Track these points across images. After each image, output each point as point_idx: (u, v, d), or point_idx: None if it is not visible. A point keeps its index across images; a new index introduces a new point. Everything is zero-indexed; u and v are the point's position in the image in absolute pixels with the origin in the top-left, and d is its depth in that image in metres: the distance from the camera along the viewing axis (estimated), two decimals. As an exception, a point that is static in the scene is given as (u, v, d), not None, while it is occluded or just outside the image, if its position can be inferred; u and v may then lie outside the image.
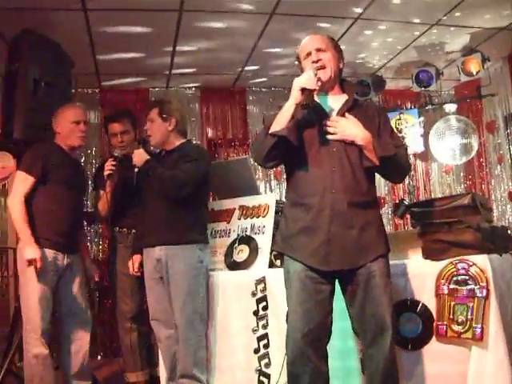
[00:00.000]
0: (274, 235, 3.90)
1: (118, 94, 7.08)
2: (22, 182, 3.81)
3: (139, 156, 3.87)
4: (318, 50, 2.92)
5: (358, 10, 5.35)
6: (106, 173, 4.08)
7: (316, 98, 2.88)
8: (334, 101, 2.95)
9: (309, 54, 2.93)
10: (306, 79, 2.74)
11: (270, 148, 2.80)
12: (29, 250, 3.68)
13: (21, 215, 3.74)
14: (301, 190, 2.90)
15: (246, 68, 6.78)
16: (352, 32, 5.84)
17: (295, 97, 2.75)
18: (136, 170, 3.90)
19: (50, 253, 3.80)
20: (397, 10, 5.40)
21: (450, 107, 7.27)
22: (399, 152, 2.88)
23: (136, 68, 6.54)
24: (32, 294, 3.71)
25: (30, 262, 3.65)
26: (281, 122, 2.77)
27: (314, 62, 2.88)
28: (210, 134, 7.42)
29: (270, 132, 2.79)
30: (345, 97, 2.97)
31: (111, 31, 5.45)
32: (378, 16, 5.52)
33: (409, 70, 6.86)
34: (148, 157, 3.87)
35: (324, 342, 2.84)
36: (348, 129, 2.79)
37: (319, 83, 2.78)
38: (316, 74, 2.77)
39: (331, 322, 2.85)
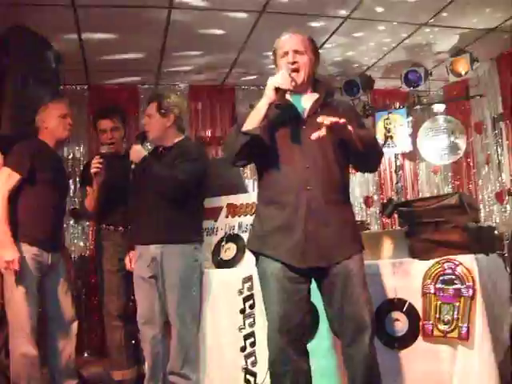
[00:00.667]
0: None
1: (106, 91, 7.05)
2: (8, 179, 3.73)
3: (137, 152, 3.82)
4: (296, 51, 2.90)
5: (348, 10, 5.36)
6: (92, 170, 4.05)
7: (288, 97, 2.89)
8: (306, 100, 2.94)
9: (286, 54, 2.92)
10: (280, 79, 2.73)
11: (242, 146, 2.78)
12: (7, 251, 3.60)
13: (2, 214, 3.66)
14: (275, 188, 2.87)
15: (235, 66, 6.76)
16: (341, 31, 5.85)
17: (269, 96, 2.74)
18: (132, 166, 3.86)
19: (33, 250, 3.74)
20: (386, 10, 5.42)
21: (439, 107, 7.31)
22: (370, 135, 2.93)
23: (125, 65, 6.52)
24: (17, 292, 3.66)
25: (8, 264, 3.59)
26: (254, 120, 2.76)
27: (289, 63, 2.87)
28: (198, 132, 7.41)
29: (242, 130, 2.78)
30: (317, 95, 2.97)
31: (100, 27, 5.43)
32: (368, 16, 5.54)
33: (398, 69, 6.89)
34: (145, 153, 3.82)
35: (304, 341, 2.85)
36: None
37: (293, 83, 2.78)
38: (289, 75, 2.77)
39: (310, 321, 2.89)
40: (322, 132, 2.63)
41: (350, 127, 2.70)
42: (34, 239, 3.75)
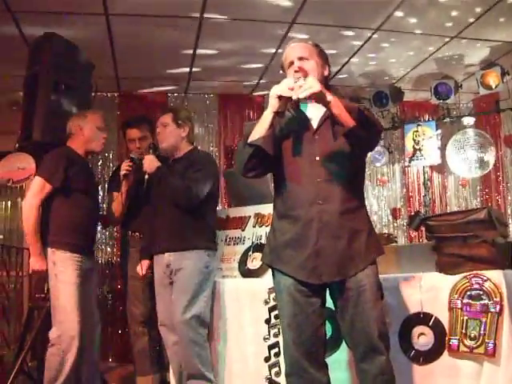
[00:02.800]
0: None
1: (136, 99, 7.13)
2: (41, 189, 3.79)
3: (151, 162, 3.91)
4: (301, 58, 2.86)
5: (379, 21, 5.36)
6: (122, 172, 4.13)
7: (303, 107, 2.89)
8: (317, 108, 2.85)
9: (292, 63, 2.89)
10: (282, 87, 2.70)
11: (248, 157, 2.78)
12: (34, 260, 3.70)
13: (33, 223, 3.72)
14: (287, 201, 2.86)
15: (265, 75, 6.78)
16: (371, 43, 5.85)
17: (272, 105, 2.72)
18: (146, 176, 3.93)
19: (77, 257, 3.82)
20: (417, 22, 5.41)
21: (468, 120, 7.24)
22: (364, 109, 2.73)
23: (155, 73, 6.59)
24: (66, 296, 3.72)
25: (35, 273, 3.68)
26: (259, 130, 2.75)
27: (296, 72, 2.84)
28: (227, 141, 7.43)
29: (248, 141, 2.77)
30: None
31: (132, 36, 5.49)
32: (398, 28, 5.53)
33: (427, 81, 6.85)
34: (159, 164, 3.91)
35: (320, 353, 2.81)
36: (316, 84, 2.61)
37: (297, 91, 2.69)
38: (296, 82, 2.70)
39: (325, 333, 2.84)
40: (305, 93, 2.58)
41: (328, 95, 2.60)
42: (76, 246, 3.83)
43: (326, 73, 2.94)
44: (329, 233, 2.72)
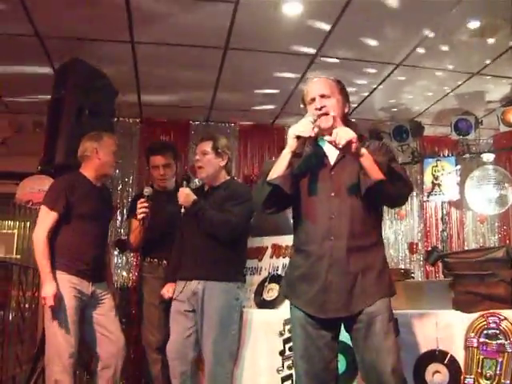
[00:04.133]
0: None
1: (158, 125, 7.20)
2: (46, 218, 3.83)
3: (186, 196, 3.84)
4: (322, 96, 2.88)
5: (401, 56, 5.39)
6: (139, 217, 4.10)
7: (319, 142, 2.92)
8: None
9: (313, 100, 2.91)
10: (300, 127, 2.73)
11: (267, 196, 2.83)
12: (46, 287, 3.69)
13: (43, 251, 3.75)
14: (302, 237, 2.91)
15: (286, 107, 6.83)
16: (393, 77, 5.87)
17: (290, 145, 2.75)
18: (182, 210, 3.85)
19: (73, 279, 3.80)
20: (438, 58, 5.44)
21: (488, 157, 7.22)
22: (396, 167, 2.79)
23: (177, 101, 6.65)
24: (55, 321, 3.71)
25: (44, 300, 3.67)
26: (278, 170, 2.79)
27: (316, 109, 2.85)
28: (246, 171, 7.47)
29: (267, 180, 2.81)
30: None
31: (156, 63, 5.55)
32: (420, 63, 5.56)
33: (448, 117, 6.85)
34: (195, 197, 3.85)
35: None
36: (345, 133, 2.62)
37: (316, 130, 2.74)
38: (315, 121, 2.75)
39: (337, 365, 2.85)
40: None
41: (362, 149, 2.64)
42: (73, 269, 3.82)
43: (346, 110, 2.97)
44: (338, 269, 2.74)
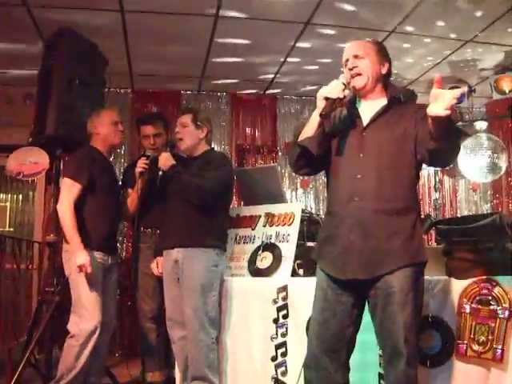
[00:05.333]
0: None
1: (149, 96, 7.15)
2: (70, 190, 3.88)
3: (166, 160, 3.94)
4: (356, 56, 2.86)
5: (394, 23, 5.35)
6: (138, 170, 4.17)
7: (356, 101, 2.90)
8: (372, 105, 2.86)
9: (347, 61, 2.89)
10: (329, 88, 2.73)
11: (297, 157, 2.86)
12: (79, 256, 3.75)
13: (70, 222, 3.81)
14: (330, 197, 2.94)
15: (278, 76, 6.79)
16: (387, 45, 5.78)
17: (319, 106, 2.74)
18: (160, 172, 3.97)
19: (99, 255, 3.91)
20: (431, 25, 5.40)
21: (481, 125, 7.22)
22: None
23: (169, 70, 6.61)
24: (87, 291, 3.80)
25: (81, 268, 3.73)
26: (307, 131, 2.80)
27: (350, 70, 2.85)
28: (238, 140, 7.45)
29: (297, 142, 2.83)
30: (384, 101, 2.87)
31: (146, 33, 5.50)
32: (413, 30, 5.52)
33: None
34: (174, 162, 3.94)
35: (342, 354, 2.78)
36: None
37: (347, 91, 2.74)
38: (348, 83, 2.76)
39: (352, 335, 2.80)
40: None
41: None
42: (99, 244, 3.92)
43: (383, 70, 2.90)
44: (360, 230, 2.70)
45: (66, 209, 3.84)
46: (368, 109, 2.86)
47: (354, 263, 2.70)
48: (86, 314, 3.78)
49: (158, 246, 4.16)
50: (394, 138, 2.75)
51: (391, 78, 2.98)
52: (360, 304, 2.82)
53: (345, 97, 2.77)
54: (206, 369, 3.71)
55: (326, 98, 2.71)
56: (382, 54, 2.93)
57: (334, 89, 2.72)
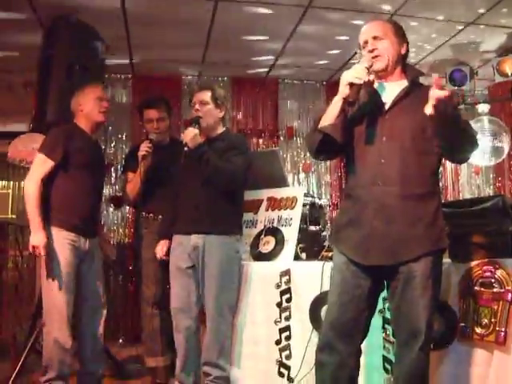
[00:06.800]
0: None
1: (150, 81, 7.12)
2: (41, 165, 3.77)
3: (194, 137, 3.71)
4: (375, 37, 2.79)
5: (395, 6, 5.32)
6: (140, 153, 4.16)
7: (375, 85, 2.84)
8: (393, 88, 2.82)
9: (366, 43, 2.82)
10: (354, 73, 2.63)
11: (318, 143, 2.77)
12: (35, 236, 3.64)
13: (34, 199, 3.68)
14: (351, 181, 2.87)
15: (279, 59, 6.77)
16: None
17: (343, 92, 2.66)
18: (185, 149, 3.71)
19: (71, 236, 3.78)
20: (433, 7, 5.36)
21: (483, 108, 7.18)
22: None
23: (169, 55, 6.57)
24: (56, 277, 3.69)
25: (33, 249, 3.64)
26: (329, 117, 2.72)
27: (369, 51, 2.78)
28: (239, 124, 7.44)
29: (318, 127, 2.76)
30: (405, 83, 2.83)
31: (146, 17, 5.47)
32: (414, 12, 5.48)
33: (443, 68, 6.79)
34: (201, 140, 3.75)
35: (357, 338, 2.79)
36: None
37: (371, 76, 2.69)
38: (370, 66, 2.69)
39: (367, 319, 2.80)
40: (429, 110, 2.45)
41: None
42: (71, 225, 3.78)
43: (403, 51, 2.86)
44: (384, 216, 2.67)
45: (32, 184, 3.71)
46: (389, 91, 2.81)
47: (377, 249, 2.68)
48: (51, 301, 3.71)
49: (163, 228, 4.07)
50: (417, 122, 2.70)
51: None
52: (378, 288, 2.82)
53: (370, 81, 2.70)
54: (219, 356, 3.73)
55: (351, 84, 2.63)
56: (400, 34, 2.88)
57: (359, 73, 2.63)
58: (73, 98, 4.01)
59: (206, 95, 3.90)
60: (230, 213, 3.83)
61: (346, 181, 3.00)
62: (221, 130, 3.98)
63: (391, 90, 2.81)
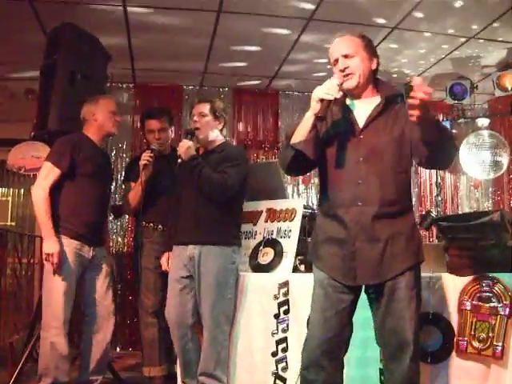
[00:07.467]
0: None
1: (151, 90, 7.14)
2: (48, 174, 3.80)
3: (187, 149, 3.78)
4: (346, 56, 2.77)
5: (396, 19, 5.34)
6: (142, 162, 4.17)
7: (347, 102, 2.84)
8: (365, 105, 2.81)
9: (336, 61, 2.81)
10: (324, 89, 2.64)
11: (290, 159, 2.76)
12: (48, 243, 3.68)
13: (44, 207, 3.73)
14: (328, 201, 2.83)
15: (280, 71, 6.79)
16: (388, 41, 5.83)
17: (313, 108, 2.66)
18: (179, 160, 3.81)
19: (74, 244, 3.81)
20: (434, 21, 5.39)
21: (483, 121, 7.19)
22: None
23: (171, 65, 6.59)
24: (56, 284, 3.72)
25: (48, 256, 3.67)
26: (300, 133, 2.71)
27: (340, 71, 2.77)
28: (240, 135, 7.44)
29: (290, 143, 2.74)
30: (378, 99, 2.82)
31: (149, 27, 5.49)
32: (415, 26, 5.51)
33: (443, 81, 6.82)
34: (195, 152, 3.82)
35: (340, 354, 2.79)
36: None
37: (341, 93, 2.69)
38: (342, 84, 2.69)
39: (350, 334, 2.80)
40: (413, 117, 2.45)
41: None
42: (75, 233, 3.82)
43: (373, 66, 2.85)
44: (366, 235, 2.68)
45: (40, 193, 3.75)
46: (362, 109, 2.80)
47: (363, 269, 2.69)
48: (51, 307, 3.72)
49: (169, 240, 4.07)
50: (393, 141, 2.73)
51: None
52: (357, 301, 2.82)
53: (341, 98, 2.72)
54: (215, 366, 3.73)
55: (321, 100, 2.64)
56: (371, 48, 2.87)
57: (330, 89, 2.64)
58: (85, 107, 4.08)
59: (205, 107, 3.95)
60: (226, 223, 3.83)
61: (320, 200, 2.97)
62: (219, 141, 4.02)
63: (363, 108, 2.81)
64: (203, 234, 3.79)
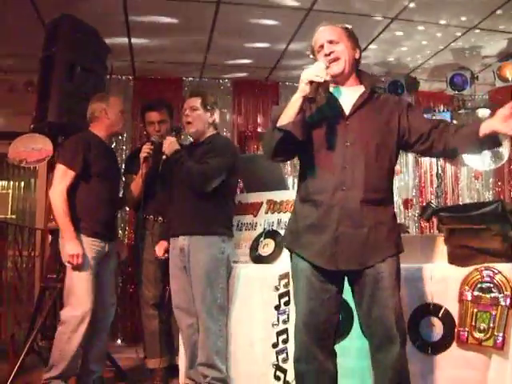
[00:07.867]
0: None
1: (151, 83, 7.14)
2: (63, 177, 3.82)
3: (170, 144, 3.88)
4: (331, 42, 2.78)
5: (395, 10, 5.33)
6: (142, 154, 4.16)
7: (331, 89, 2.82)
8: (349, 93, 2.81)
9: (322, 47, 2.80)
10: (314, 71, 2.61)
11: (277, 142, 2.70)
12: (70, 245, 3.72)
13: (63, 209, 3.76)
14: (311, 186, 2.80)
15: (280, 62, 6.77)
16: (388, 32, 5.82)
17: (302, 89, 2.63)
18: (164, 157, 3.92)
19: (94, 242, 3.86)
20: (434, 12, 5.38)
21: (484, 112, 7.18)
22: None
23: (170, 57, 6.59)
24: (79, 282, 3.77)
25: (71, 258, 3.70)
26: (288, 115, 2.67)
27: (326, 55, 2.77)
28: (240, 127, 7.44)
29: (277, 126, 2.69)
30: (361, 88, 2.84)
31: (148, 19, 5.49)
32: (416, 17, 5.50)
33: (443, 72, 6.81)
34: (178, 147, 3.89)
35: (330, 341, 2.77)
36: None
37: (329, 76, 2.66)
38: (328, 67, 2.67)
39: (338, 321, 2.80)
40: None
41: None
42: (93, 231, 3.87)
43: (356, 56, 2.86)
44: (350, 220, 2.67)
45: (58, 196, 3.79)
46: (347, 96, 2.80)
47: (345, 254, 2.68)
48: (75, 302, 3.75)
49: (165, 230, 4.14)
50: (379, 128, 2.75)
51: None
52: (342, 289, 2.81)
53: (327, 81, 2.67)
54: (214, 356, 3.73)
55: (311, 82, 2.61)
56: (354, 39, 2.88)
57: (319, 72, 2.61)
58: (94, 103, 4.07)
59: (196, 101, 4.00)
60: (214, 214, 3.85)
61: (299, 186, 2.91)
62: (210, 133, 4.05)
63: (348, 95, 2.82)
64: (190, 225, 3.83)
